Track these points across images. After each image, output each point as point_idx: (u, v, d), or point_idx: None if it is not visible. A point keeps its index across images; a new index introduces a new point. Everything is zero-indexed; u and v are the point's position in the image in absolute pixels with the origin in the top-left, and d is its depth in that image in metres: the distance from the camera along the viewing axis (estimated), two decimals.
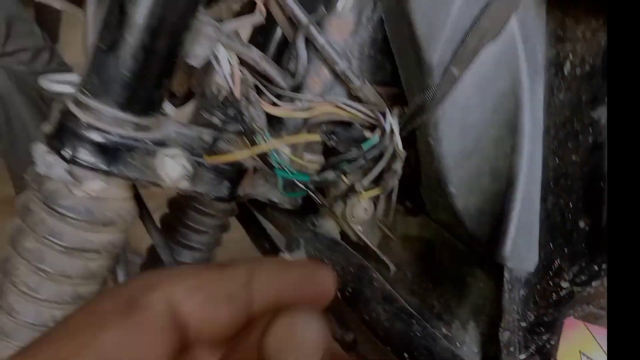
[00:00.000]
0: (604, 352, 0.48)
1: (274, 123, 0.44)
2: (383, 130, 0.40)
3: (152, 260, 0.62)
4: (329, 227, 0.54)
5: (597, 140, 0.36)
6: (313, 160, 0.45)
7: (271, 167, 0.39)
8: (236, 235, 0.67)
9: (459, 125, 0.39)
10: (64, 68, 1.55)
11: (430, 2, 0.36)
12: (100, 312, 0.18)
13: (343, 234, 0.54)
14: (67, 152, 0.36)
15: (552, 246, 0.38)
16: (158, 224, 0.62)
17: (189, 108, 0.51)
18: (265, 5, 0.47)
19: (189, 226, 0.59)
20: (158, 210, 0.63)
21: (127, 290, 0.18)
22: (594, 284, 0.38)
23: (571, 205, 0.37)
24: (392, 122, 0.39)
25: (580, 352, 0.47)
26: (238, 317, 0.19)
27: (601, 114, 0.36)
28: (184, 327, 0.19)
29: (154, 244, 0.55)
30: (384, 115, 0.41)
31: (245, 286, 0.19)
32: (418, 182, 0.46)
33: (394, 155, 0.39)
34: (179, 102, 0.50)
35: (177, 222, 0.59)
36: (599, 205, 0.36)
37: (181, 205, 0.60)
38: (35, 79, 1.67)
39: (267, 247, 0.73)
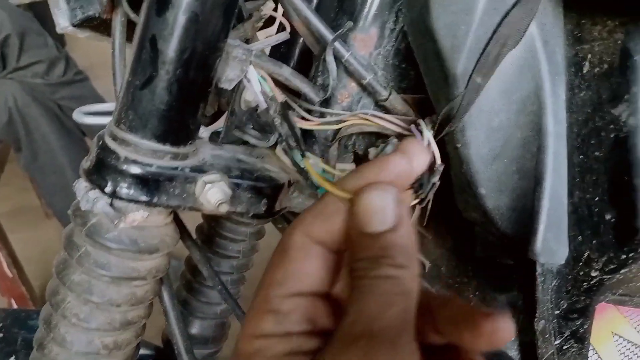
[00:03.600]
0: (635, 330, 0.50)
1: (306, 137, 0.46)
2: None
3: (191, 271, 0.65)
4: None
5: (619, 136, 0.38)
6: (345, 169, 0.47)
7: (312, 186, 0.41)
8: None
9: (485, 129, 0.40)
10: (80, 77, 1.58)
11: (452, 14, 0.38)
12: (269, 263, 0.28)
13: None
14: (108, 187, 0.37)
15: (581, 238, 0.40)
16: (194, 235, 0.65)
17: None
18: (288, 19, 0.49)
19: (225, 236, 0.61)
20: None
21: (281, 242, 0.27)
22: (622, 271, 0.40)
23: (597, 199, 0.39)
24: (428, 135, 0.41)
25: (612, 332, 0.49)
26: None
27: (621, 110, 0.38)
28: (322, 243, 0.27)
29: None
30: (415, 124, 0.42)
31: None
32: (449, 180, 0.47)
33: (431, 168, 0.41)
34: (208, 120, 0.52)
35: (213, 233, 0.62)
36: (624, 197, 0.38)
37: (216, 216, 0.62)
38: (51, 91, 1.71)
39: None
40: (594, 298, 0.43)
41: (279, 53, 0.56)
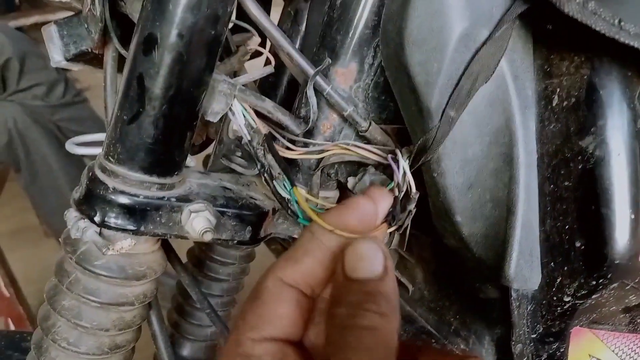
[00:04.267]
0: (612, 351, 0.51)
1: (290, 166, 0.48)
2: (397, 175, 0.43)
3: (182, 294, 0.66)
4: None
5: (586, 167, 0.40)
6: (328, 197, 0.49)
7: (294, 214, 0.42)
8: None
9: (460, 160, 0.42)
10: (79, 99, 1.60)
11: (425, 52, 0.40)
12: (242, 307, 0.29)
13: None
14: (97, 217, 0.39)
15: (553, 265, 0.42)
16: (185, 259, 0.66)
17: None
18: (274, 52, 0.51)
19: (215, 259, 0.63)
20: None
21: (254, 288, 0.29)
22: (593, 296, 0.41)
23: (567, 227, 0.41)
24: (404, 165, 0.42)
25: (589, 355, 0.50)
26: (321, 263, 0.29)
27: (588, 142, 0.40)
28: (295, 286, 0.28)
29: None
30: (393, 154, 0.44)
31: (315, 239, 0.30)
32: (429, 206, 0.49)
33: (407, 196, 0.43)
34: (197, 149, 0.54)
35: (203, 256, 0.63)
36: (593, 226, 0.39)
37: None
38: (51, 112, 1.74)
39: None
40: (569, 322, 0.44)
41: (268, 82, 0.58)
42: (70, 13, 0.50)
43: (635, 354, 0.55)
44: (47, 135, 1.56)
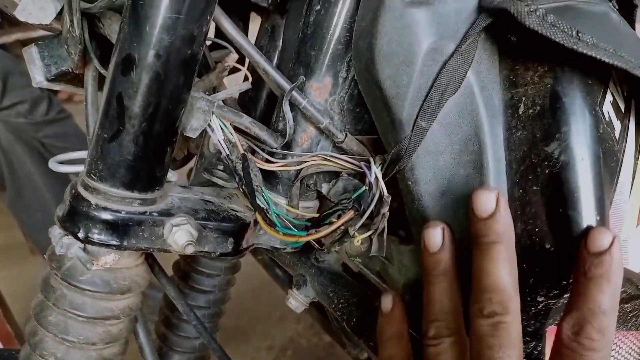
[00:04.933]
0: None
1: (270, 178, 0.49)
2: (369, 179, 0.45)
3: (169, 307, 0.67)
4: (331, 261, 0.59)
5: (553, 171, 0.41)
6: (308, 207, 0.50)
7: (272, 224, 0.43)
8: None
9: (432, 168, 0.44)
10: (63, 115, 1.60)
11: (394, 66, 0.41)
12: None
13: (345, 266, 0.59)
14: (81, 233, 0.40)
15: (525, 266, 0.43)
16: (171, 272, 0.67)
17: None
18: (252, 68, 0.52)
19: (201, 271, 0.64)
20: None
21: None
22: (565, 296, 0.43)
23: (537, 230, 0.42)
24: (376, 171, 0.44)
25: None
26: None
27: (554, 148, 0.41)
28: None
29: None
30: (367, 163, 0.46)
31: None
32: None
33: (380, 200, 0.44)
34: (179, 164, 0.55)
35: (189, 268, 0.64)
36: (560, 227, 0.41)
37: None
38: (35, 129, 1.74)
39: (281, 275, 0.78)
40: (544, 322, 0.46)
41: (247, 97, 0.60)
42: (50, 33, 0.51)
43: (613, 350, 0.56)
44: (31, 152, 1.56)
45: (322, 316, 0.75)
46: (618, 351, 0.57)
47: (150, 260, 0.50)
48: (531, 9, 0.39)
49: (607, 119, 0.44)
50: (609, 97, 0.45)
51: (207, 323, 0.65)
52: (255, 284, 1.76)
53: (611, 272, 0.37)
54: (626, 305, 0.50)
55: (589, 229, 0.39)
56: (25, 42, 2.23)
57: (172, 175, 0.46)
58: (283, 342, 1.74)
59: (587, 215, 0.41)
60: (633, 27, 0.47)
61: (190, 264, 0.64)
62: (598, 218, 0.41)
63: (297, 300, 0.55)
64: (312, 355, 1.71)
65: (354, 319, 0.52)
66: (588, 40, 0.39)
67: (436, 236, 0.41)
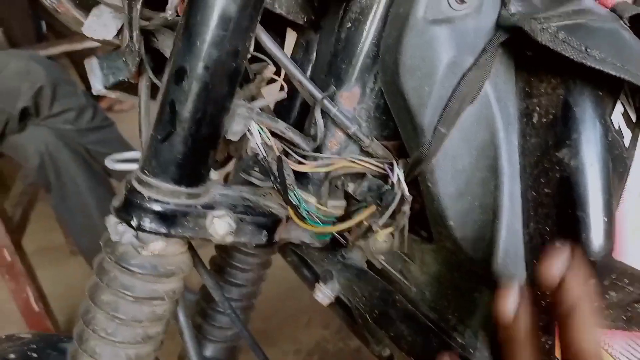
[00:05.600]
0: (601, 347, 0.55)
1: (302, 178, 0.53)
2: (392, 179, 0.49)
3: (205, 298, 0.72)
4: (356, 258, 0.63)
5: (563, 175, 0.45)
6: (337, 206, 0.54)
7: (302, 218, 0.48)
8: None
9: (451, 171, 0.48)
10: (107, 123, 1.69)
11: (417, 78, 0.45)
12: None
13: (369, 263, 0.63)
14: (134, 222, 0.45)
15: (536, 263, 0.47)
16: (208, 266, 0.72)
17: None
18: (288, 79, 0.57)
19: (235, 266, 0.68)
20: (207, 254, 0.73)
21: None
22: None
23: (548, 230, 0.46)
24: (398, 172, 0.48)
25: None
26: None
27: (565, 154, 0.45)
28: None
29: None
30: (391, 166, 0.50)
31: None
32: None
33: (402, 199, 0.48)
34: (219, 165, 0.60)
35: (224, 263, 0.69)
36: (570, 228, 0.44)
37: (227, 248, 0.70)
38: (80, 136, 1.83)
39: (309, 276, 0.82)
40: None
41: (283, 106, 0.65)
42: (97, 45, 0.57)
43: (627, 352, 0.59)
44: (77, 157, 1.63)
45: (346, 315, 0.79)
46: (632, 352, 0.59)
47: (192, 252, 0.55)
48: (544, 27, 0.43)
49: (617, 127, 0.47)
50: (619, 108, 0.48)
51: (239, 315, 0.70)
52: (284, 288, 1.80)
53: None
54: (637, 305, 0.53)
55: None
56: (70, 54, 2.35)
57: (214, 174, 0.51)
58: (310, 346, 1.77)
59: (595, 216, 0.44)
60: None
61: (226, 259, 0.69)
62: (605, 219, 0.44)
63: (324, 293, 0.59)
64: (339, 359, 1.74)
65: (376, 312, 0.56)
66: (596, 56, 0.42)
67: (510, 303, 0.37)
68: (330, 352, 1.77)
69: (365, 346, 0.84)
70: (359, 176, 0.53)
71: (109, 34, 0.50)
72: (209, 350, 0.71)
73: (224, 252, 0.70)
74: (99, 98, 2.74)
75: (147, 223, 0.45)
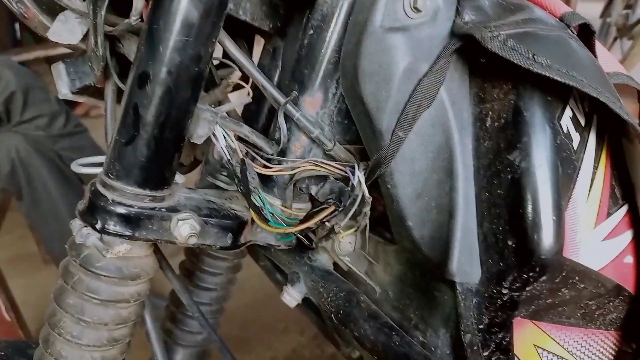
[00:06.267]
0: (557, 343, 0.58)
1: (267, 181, 0.55)
2: (352, 182, 0.50)
3: (175, 303, 0.72)
4: (323, 260, 0.64)
5: (514, 177, 0.47)
6: (301, 208, 0.56)
7: (265, 220, 0.49)
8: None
9: (409, 173, 0.49)
10: (80, 129, 1.68)
11: (375, 83, 0.47)
12: None
13: (335, 264, 0.64)
14: (98, 224, 0.46)
15: (490, 261, 0.48)
16: (177, 271, 0.73)
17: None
18: (254, 85, 0.58)
19: (204, 270, 0.69)
20: (175, 255, 0.73)
21: None
22: (527, 288, 0.48)
23: (501, 229, 0.47)
24: (359, 175, 0.50)
25: (535, 345, 0.56)
26: None
27: (515, 156, 0.47)
28: None
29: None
30: (352, 168, 0.52)
31: None
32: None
33: (362, 201, 0.50)
34: (186, 169, 0.61)
35: (194, 267, 0.70)
36: (520, 226, 0.46)
37: (196, 252, 0.71)
38: (53, 142, 1.81)
39: (282, 281, 0.83)
40: (510, 313, 0.51)
41: (250, 111, 0.66)
42: (69, 51, 0.57)
43: (584, 348, 0.61)
44: (48, 164, 1.62)
45: (317, 317, 0.80)
46: (589, 349, 0.61)
47: (158, 256, 0.56)
48: (494, 35, 0.45)
49: (566, 131, 0.49)
50: (568, 113, 0.50)
51: (209, 319, 0.71)
52: (260, 296, 1.81)
53: None
54: (590, 302, 0.55)
55: None
56: (45, 60, 2.33)
57: (179, 178, 0.52)
58: (286, 353, 1.78)
59: (545, 216, 0.46)
60: (592, 52, 0.53)
61: (195, 263, 0.70)
62: (554, 218, 0.46)
63: (291, 295, 0.60)
64: None
65: (341, 312, 0.57)
66: (543, 62, 0.44)
67: None
68: (307, 359, 1.77)
69: (336, 348, 0.85)
70: (322, 179, 0.55)
71: (75, 39, 0.50)
72: (179, 355, 0.72)
73: (193, 257, 0.70)
74: (75, 104, 2.73)
75: (111, 226, 0.46)
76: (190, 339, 0.71)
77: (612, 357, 0.64)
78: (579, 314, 0.57)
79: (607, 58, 0.58)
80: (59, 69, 0.56)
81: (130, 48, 0.50)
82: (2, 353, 0.67)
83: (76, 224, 0.46)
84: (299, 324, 1.84)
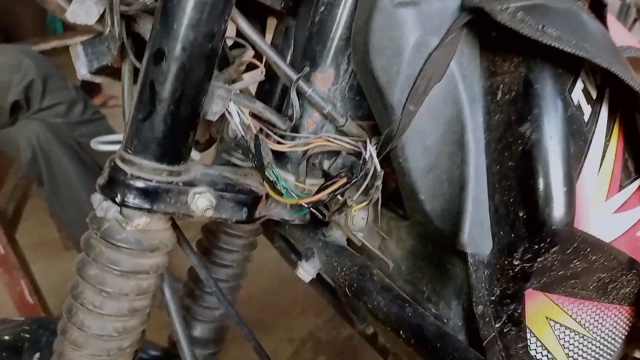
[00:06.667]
0: (569, 315, 0.58)
1: (280, 157, 0.56)
2: (364, 156, 0.51)
3: (193, 280, 0.74)
4: (336, 235, 0.65)
5: (525, 149, 0.47)
6: (314, 184, 0.57)
7: (279, 193, 0.50)
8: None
9: (420, 147, 0.50)
10: (98, 116, 1.70)
11: (386, 58, 0.48)
12: None
13: (349, 240, 0.65)
14: (118, 198, 0.47)
15: (502, 233, 0.49)
16: (195, 249, 0.74)
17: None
18: (267, 63, 0.59)
19: (221, 247, 0.71)
20: (194, 239, 0.75)
21: None
22: (538, 260, 0.49)
23: (512, 200, 0.48)
24: (371, 149, 0.51)
25: (546, 317, 0.57)
26: None
27: (526, 128, 0.47)
28: None
29: (193, 266, 0.67)
30: (364, 143, 0.52)
31: None
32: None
33: (374, 175, 0.51)
34: (202, 147, 0.63)
35: (211, 245, 0.71)
36: (531, 198, 0.47)
37: (213, 230, 0.72)
38: (71, 129, 1.85)
39: (294, 258, 0.85)
40: (521, 285, 0.51)
41: (264, 90, 0.67)
42: (84, 38, 0.59)
43: (596, 322, 0.61)
44: (68, 150, 1.65)
45: (330, 295, 0.81)
46: (602, 323, 0.62)
47: (177, 232, 0.57)
48: (503, 7, 0.45)
49: (577, 103, 0.49)
50: (579, 85, 0.50)
51: (226, 295, 0.72)
52: (278, 281, 1.83)
53: None
54: (603, 275, 0.56)
55: None
56: (61, 49, 2.36)
57: (195, 155, 0.53)
58: (303, 335, 1.80)
59: (556, 187, 0.47)
60: (604, 23, 0.53)
61: (212, 240, 0.71)
62: (565, 189, 0.47)
63: (305, 270, 0.61)
64: (331, 348, 1.77)
65: (354, 285, 0.58)
66: (552, 33, 0.45)
67: None
68: (323, 341, 1.80)
69: (351, 326, 0.86)
70: (335, 154, 0.55)
71: (91, 20, 0.52)
72: (197, 330, 0.74)
73: (210, 234, 0.72)
74: (93, 94, 2.75)
75: (131, 199, 0.47)
76: (208, 314, 0.73)
77: (625, 332, 0.64)
78: (592, 287, 0.57)
79: (620, 32, 0.58)
80: (77, 49, 0.57)
81: (146, 27, 0.51)
82: (27, 327, 0.70)
83: (97, 197, 0.48)
84: (315, 307, 1.86)
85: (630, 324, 0.65)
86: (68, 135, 1.65)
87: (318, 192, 0.51)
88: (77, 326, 0.50)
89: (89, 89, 2.29)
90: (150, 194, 0.47)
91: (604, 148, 0.52)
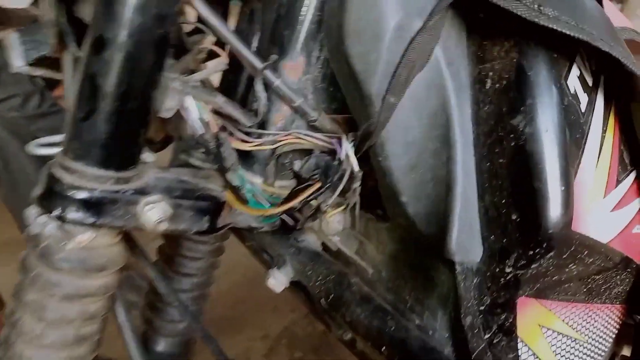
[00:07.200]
0: (562, 321, 0.54)
1: (246, 158, 0.50)
2: (340, 155, 0.46)
3: (154, 290, 0.68)
4: (310, 240, 0.60)
5: (518, 144, 0.42)
6: (284, 186, 0.51)
7: (244, 201, 0.44)
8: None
9: (402, 143, 0.45)
10: (55, 109, 1.61)
11: (363, 43, 0.42)
12: None
13: (324, 245, 0.60)
14: (56, 212, 0.41)
15: (493, 238, 0.44)
16: (156, 256, 0.68)
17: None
18: (230, 51, 0.53)
19: (184, 255, 0.64)
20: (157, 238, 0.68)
21: None
22: (533, 266, 0.44)
23: (504, 201, 0.43)
24: (347, 147, 0.45)
25: (540, 325, 0.53)
26: None
27: (519, 121, 0.42)
28: None
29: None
30: (339, 140, 0.47)
31: None
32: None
33: (351, 176, 0.45)
34: (157, 147, 0.56)
35: (173, 252, 0.65)
36: (526, 199, 0.42)
37: (175, 236, 0.66)
38: (28, 123, 1.73)
39: (269, 261, 0.79)
40: (513, 293, 0.47)
41: (228, 81, 0.60)
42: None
43: (588, 323, 0.58)
44: (25, 146, 1.55)
45: (307, 299, 0.76)
46: (593, 324, 0.58)
47: (131, 243, 0.51)
48: None
49: (573, 92, 0.45)
50: (575, 71, 0.46)
51: (192, 306, 0.66)
52: (250, 275, 1.77)
53: None
54: (597, 277, 0.52)
55: None
56: None
57: (149, 157, 0.47)
58: (278, 331, 1.75)
59: (553, 186, 0.42)
60: (601, 4, 0.48)
61: (174, 248, 0.65)
62: (563, 188, 0.42)
63: (276, 279, 0.56)
64: (307, 343, 1.73)
65: (331, 295, 0.53)
66: (550, 14, 0.40)
67: None
68: (299, 336, 1.75)
69: (328, 330, 0.81)
70: (307, 152, 0.50)
71: (24, 2, 0.44)
72: (160, 345, 0.68)
73: (172, 241, 0.66)
74: (55, 84, 2.63)
75: (72, 213, 0.40)
76: (172, 328, 0.67)
77: (616, 330, 0.61)
78: (584, 290, 0.53)
79: (613, 11, 0.54)
80: (13, 38, 0.50)
81: (87, 11, 0.45)
82: None
83: (32, 211, 0.41)
84: (290, 301, 1.82)
85: (620, 322, 0.62)
86: (25, 130, 1.55)
87: (288, 199, 0.45)
88: (16, 359, 0.43)
89: (50, 80, 2.18)
90: (94, 206, 0.41)
91: (601, 140, 0.48)
